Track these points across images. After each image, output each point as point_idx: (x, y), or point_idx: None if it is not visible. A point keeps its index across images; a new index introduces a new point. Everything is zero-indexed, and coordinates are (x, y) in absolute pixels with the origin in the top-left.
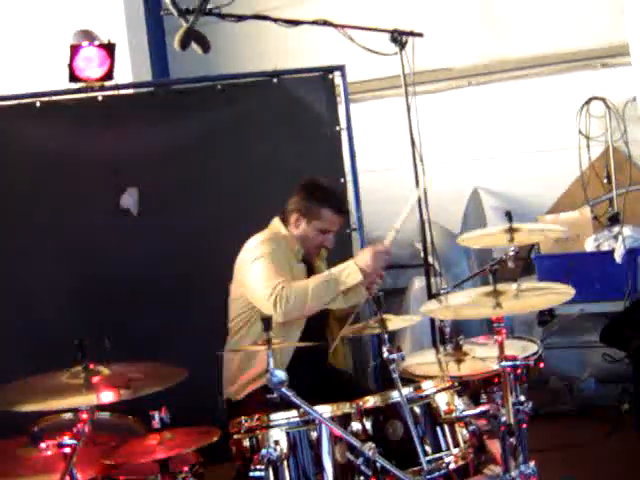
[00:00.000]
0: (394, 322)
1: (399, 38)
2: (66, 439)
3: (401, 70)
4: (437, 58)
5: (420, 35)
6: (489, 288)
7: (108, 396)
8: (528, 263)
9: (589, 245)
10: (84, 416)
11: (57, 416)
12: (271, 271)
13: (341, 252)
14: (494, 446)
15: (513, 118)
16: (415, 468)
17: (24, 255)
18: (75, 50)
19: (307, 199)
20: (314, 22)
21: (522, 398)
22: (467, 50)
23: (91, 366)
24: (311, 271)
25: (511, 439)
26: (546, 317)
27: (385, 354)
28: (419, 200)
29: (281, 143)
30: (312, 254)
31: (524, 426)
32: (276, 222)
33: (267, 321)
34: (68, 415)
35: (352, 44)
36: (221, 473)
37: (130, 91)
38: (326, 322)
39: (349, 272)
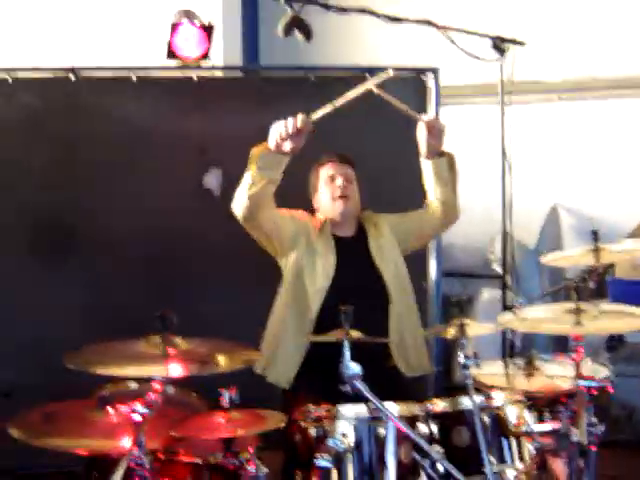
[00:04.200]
0: (472, 328)
1: (500, 45)
2: (139, 406)
3: (500, 78)
4: (527, 70)
5: (522, 44)
6: (570, 305)
7: (183, 370)
8: (600, 286)
9: None
10: (157, 386)
11: (125, 384)
12: None
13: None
14: (556, 465)
15: (600, 137)
16: (476, 477)
17: (108, 220)
18: (175, 28)
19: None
20: (417, 21)
21: (594, 420)
22: (558, 65)
23: (170, 338)
24: (365, 241)
25: (580, 460)
26: (615, 343)
27: (462, 359)
28: (503, 212)
29: (366, 139)
30: (335, 219)
31: (594, 448)
32: None
33: (346, 314)
34: (134, 384)
35: (444, 48)
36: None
37: (221, 74)
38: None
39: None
